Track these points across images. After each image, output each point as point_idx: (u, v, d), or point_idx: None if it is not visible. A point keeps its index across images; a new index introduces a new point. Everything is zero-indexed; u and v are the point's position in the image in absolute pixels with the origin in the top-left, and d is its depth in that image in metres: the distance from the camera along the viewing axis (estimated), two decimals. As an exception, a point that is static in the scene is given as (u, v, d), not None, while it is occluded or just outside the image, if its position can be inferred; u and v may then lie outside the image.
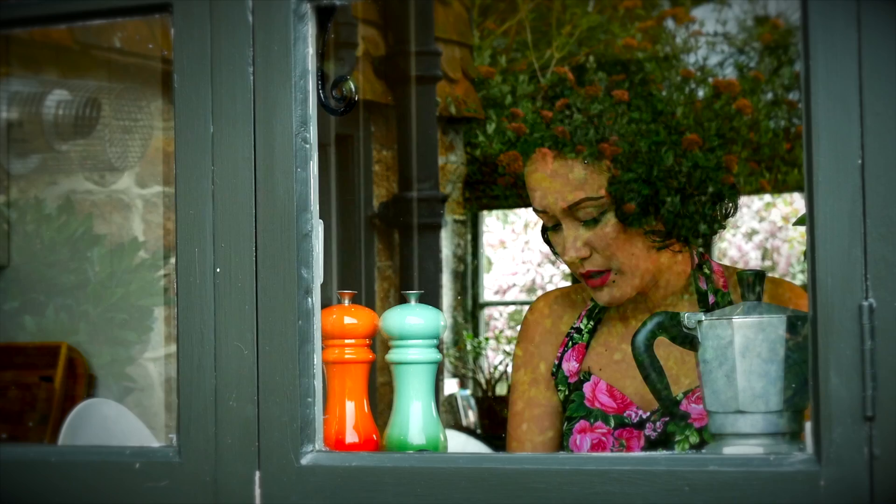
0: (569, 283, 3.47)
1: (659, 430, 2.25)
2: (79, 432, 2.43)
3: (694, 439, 2.21)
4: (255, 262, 1.71)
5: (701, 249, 2.35)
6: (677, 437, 2.22)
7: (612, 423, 2.28)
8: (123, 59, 4.04)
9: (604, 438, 2.28)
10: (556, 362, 2.37)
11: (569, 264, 2.29)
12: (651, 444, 2.25)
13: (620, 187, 2.20)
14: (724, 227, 2.30)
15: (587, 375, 2.32)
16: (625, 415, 2.28)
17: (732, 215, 2.29)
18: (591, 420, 2.29)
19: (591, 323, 2.37)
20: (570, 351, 2.36)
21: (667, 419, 2.23)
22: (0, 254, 3.73)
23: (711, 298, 2.29)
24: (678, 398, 2.22)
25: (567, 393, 2.34)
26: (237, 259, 1.72)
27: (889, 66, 1.47)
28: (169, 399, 4.06)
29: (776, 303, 2.10)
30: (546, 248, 2.47)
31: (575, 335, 2.37)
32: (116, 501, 1.76)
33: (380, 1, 5.34)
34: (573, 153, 2.22)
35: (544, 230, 2.36)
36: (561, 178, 2.23)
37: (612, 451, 2.26)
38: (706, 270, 2.32)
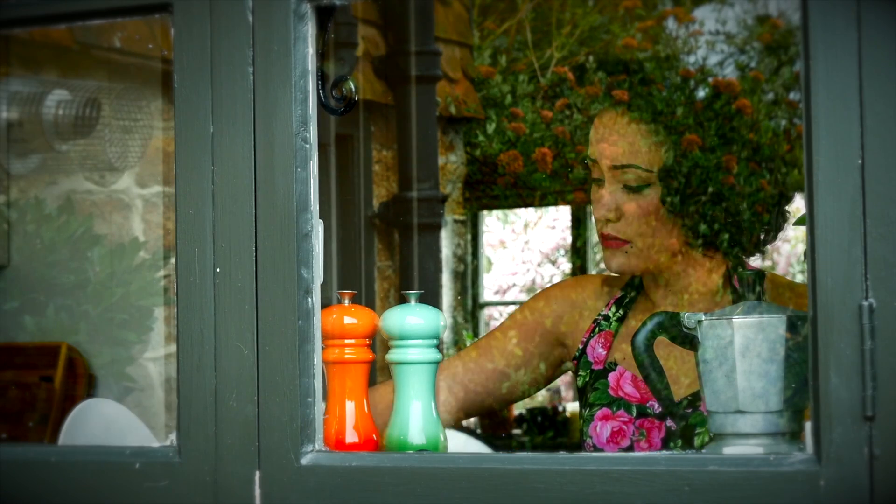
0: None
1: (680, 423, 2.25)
2: (79, 432, 2.42)
3: None
4: (255, 262, 1.71)
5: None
6: (698, 430, 2.22)
7: (635, 413, 2.29)
8: (123, 59, 4.04)
9: (624, 427, 2.29)
10: (581, 346, 2.37)
11: (596, 220, 2.32)
12: (671, 436, 2.25)
13: (671, 172, 2.22)
14: (772, 240, 2.32)
15: (613, 365, 2.33)
16: (647, 405, 2.28)
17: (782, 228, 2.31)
18: (614, 409, 2.30)
19: (620, 311, 2.38)
20: (596, 337, 2.37)
21: (689, 411, 2.24)
22: (0, 254, 3.73)
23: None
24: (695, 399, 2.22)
25: (588, 379, 2.35)
26: (237, 259, 1.72)
27: (889, 66, 1.47)
28: (169, 399, 4.06)
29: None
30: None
31: (602, 322, 2.38)
32: (116, 501, 1.76)
33: (380, 1, 5.33)
34: (643, 119, 2.23)
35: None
36: (620, 137, 2.25)
37: (631, 439, 2.27)
38: (741, 271, 2.33)
